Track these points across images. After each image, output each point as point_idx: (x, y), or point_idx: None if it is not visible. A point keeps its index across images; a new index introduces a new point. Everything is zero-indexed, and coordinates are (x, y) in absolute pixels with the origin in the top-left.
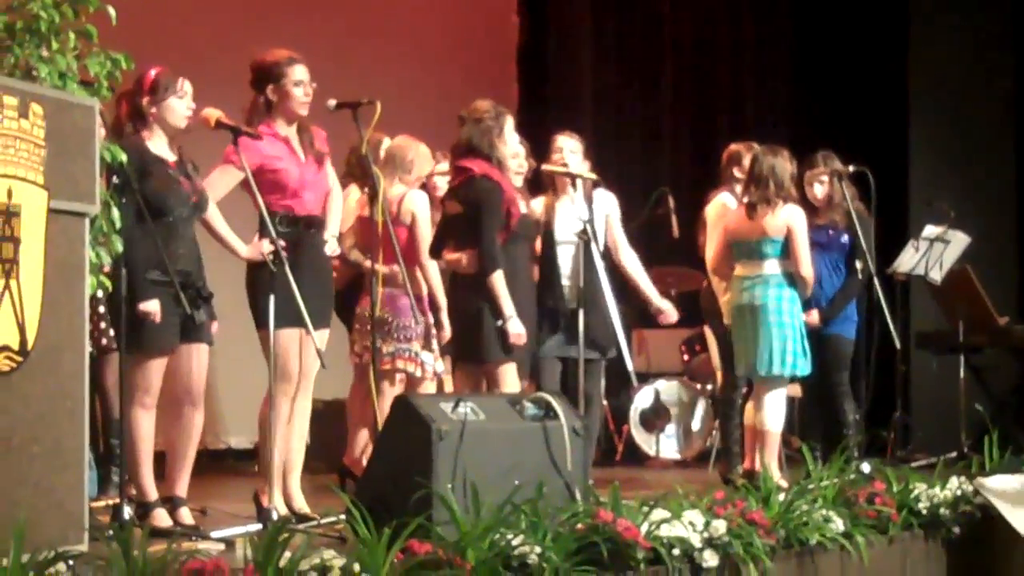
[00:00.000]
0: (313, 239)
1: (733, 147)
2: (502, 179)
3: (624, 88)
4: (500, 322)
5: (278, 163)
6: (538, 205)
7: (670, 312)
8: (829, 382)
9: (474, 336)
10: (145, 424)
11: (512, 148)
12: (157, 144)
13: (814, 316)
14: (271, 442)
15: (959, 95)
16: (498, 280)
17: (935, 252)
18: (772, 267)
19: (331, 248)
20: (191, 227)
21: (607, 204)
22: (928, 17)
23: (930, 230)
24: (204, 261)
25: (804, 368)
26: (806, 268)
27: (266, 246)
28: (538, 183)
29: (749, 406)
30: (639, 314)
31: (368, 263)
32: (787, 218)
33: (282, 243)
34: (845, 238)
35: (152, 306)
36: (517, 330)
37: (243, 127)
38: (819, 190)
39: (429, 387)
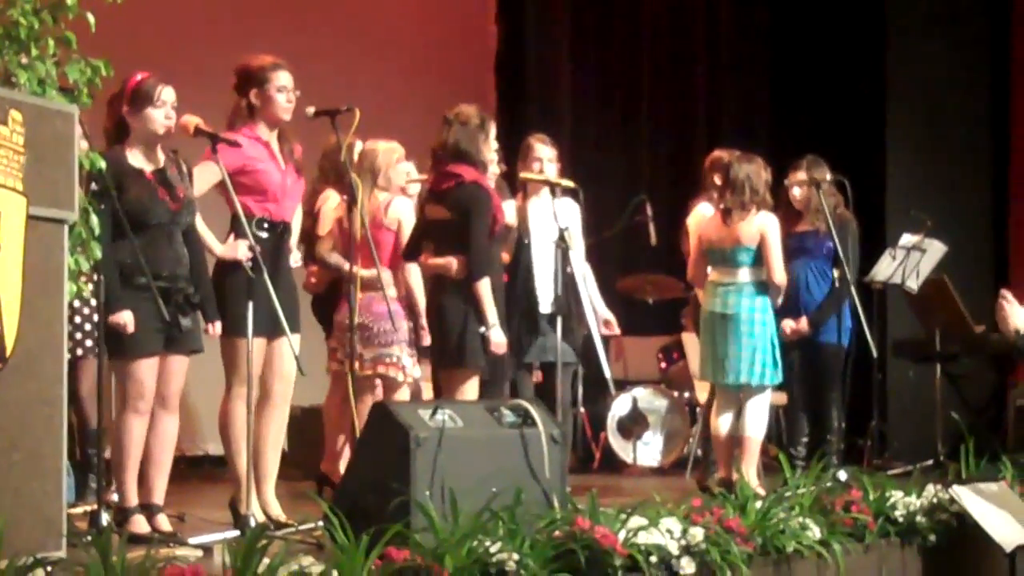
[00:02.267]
0: (285, 246)
1: (716, 154)
2: (490, 186)
3: (602, 96)
4: (483, 329)
5: (259, 164)
6: (509, 210)
7: (613, 323)
8: (818, 390)
9: (458, 342)
10: (137, 429)
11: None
12: (136, 154)
13: (803, 323)
14: (237, 448)
15: (937, 105)
16: (484, 287)
17: (912, 261)
18: (746, 275)
19: (295, 259)
20: (177, 234)
21: (570, 213)
22: (906, 27)
23: (907, 239)
24: None
25: (772, 379)
26: (779, 275)
27: (243, 250)
28: (509, 187)
29: (717, 414)
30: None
31: (347, 266)
32: (761, 225)
33: (257, 247)
34: (830, 244)
35: (124, 317)
36: (499, 339)
37: (221, 134)
38: (799, 194)
39: (404, 393)
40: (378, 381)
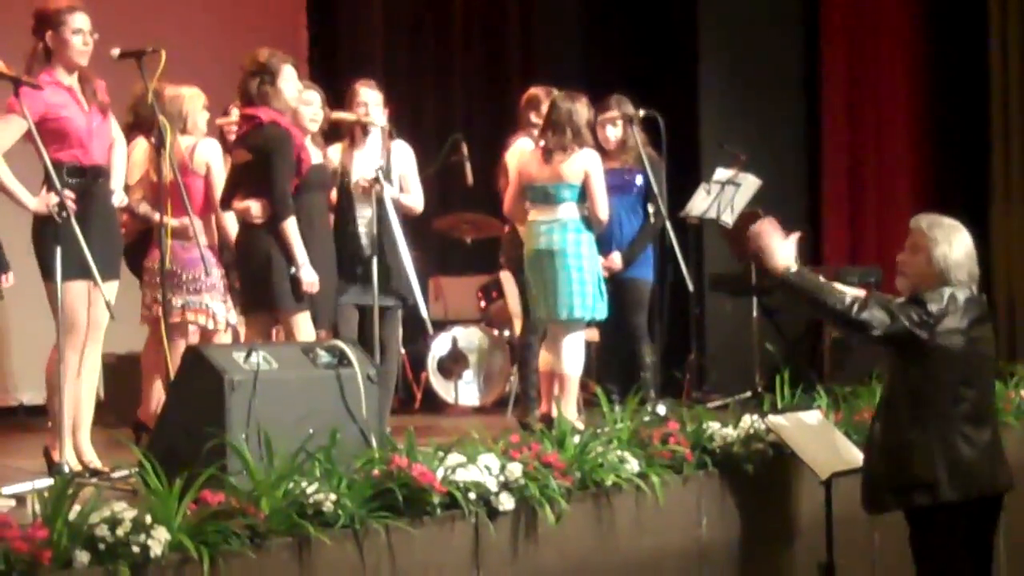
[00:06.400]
0: (101, 189)
1: (532, 91)
2: (290, 126)
3: (414, 34)
4: (293, 270)
5: (62, 111)
6: (334, 153)
7: None
8: (627, 325)
9: (265, 285)
10: None
11: (299, 95)
12: None
13: (616, 259)
14: (60, 396)
15: (749, 39)
16: (291, 227)
17: (726, 195)
18: (568, 211)
19: (118, 199)
20: None
21: (404, 156)
22: None
23: (721, 173)
24: None
25: (601, 312)
26: (603, 211)
27: (53, 198)
28: (335, 130)
29: (544, 351)
30: (436, 261)
31: (157, 216)
32: (584, 163)
33: (71, 194)
34: (640, 180)
35: None
36: (310, 278)
37: (24, 77)
38: (612, 133)
39: (224, 339)
40: (193, 328)
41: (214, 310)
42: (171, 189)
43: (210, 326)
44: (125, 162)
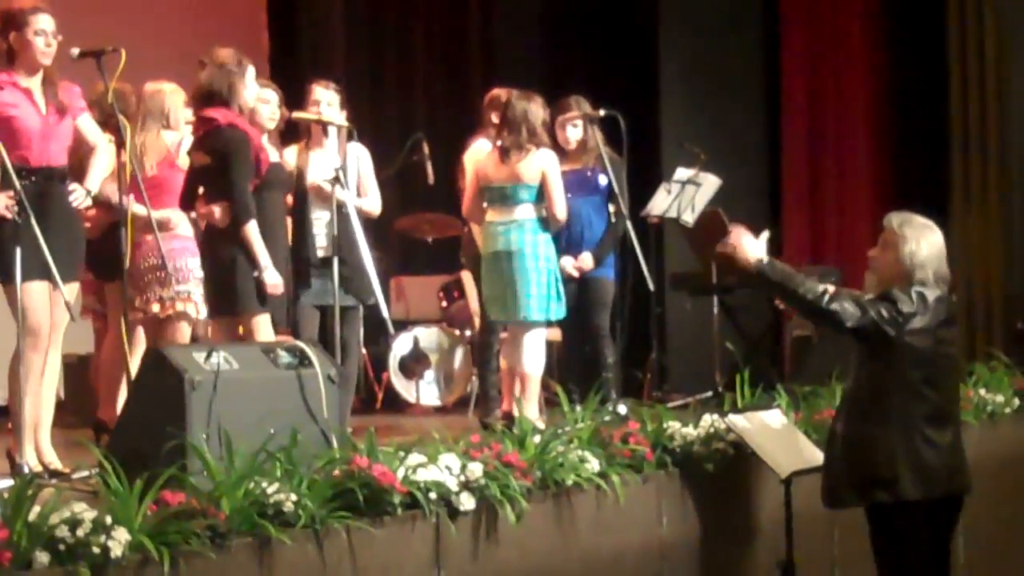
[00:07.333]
0: (57, 190)
1: (494, 92)
2: (248, 128)
3: (376, 35)
4: (256, 273)
5: (12, 110)
6: (291, 154)
7: None
8: (590, 324)
9: (230, 289)
10: None
11: (258, 95)
12: None
13: (587, 260)
14: (22, 398)
15: (710, 38)
16: (252, 230)
17: (687, 194)
18: (525, 212)
19: (78, 200)
20: None
21: (361, 159)
22: None
23: (682, 173)
24: None
25: (559, 313)
26: (561, 211)
27: (1, 199)
28: (293, 132)
29: (505, 350)
30: (397, 261)
31: (136, 209)
32: (541, 163)
33: (10, 197)
34: (603, 180)
35: None
36: (273, 280)
37: None
38: (572, 134)
39: (185, 330)
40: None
41: (195, 299)
42: (148, 186)
43: (193, 314)
44: (105, 167)
